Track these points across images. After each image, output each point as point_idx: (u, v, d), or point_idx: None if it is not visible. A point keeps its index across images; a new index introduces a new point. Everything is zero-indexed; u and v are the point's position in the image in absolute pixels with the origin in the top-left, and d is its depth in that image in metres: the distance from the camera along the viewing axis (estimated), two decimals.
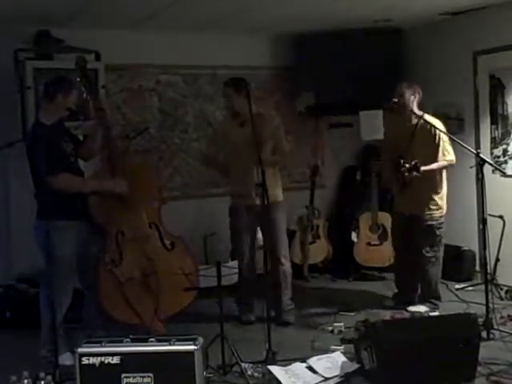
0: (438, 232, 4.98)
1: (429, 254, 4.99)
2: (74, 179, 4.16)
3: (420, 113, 4.94)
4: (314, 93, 4.79)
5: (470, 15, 5.78)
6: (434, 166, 4.83)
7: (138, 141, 5.82)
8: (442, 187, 4.98)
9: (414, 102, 4.92)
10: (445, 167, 4.92)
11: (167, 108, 6.26)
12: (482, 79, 5.81)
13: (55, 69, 5.02)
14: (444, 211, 5.00)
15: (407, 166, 4.72)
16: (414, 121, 4.93)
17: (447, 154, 4.87)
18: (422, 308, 5.00)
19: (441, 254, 5.06)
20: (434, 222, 4.96)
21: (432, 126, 4.82)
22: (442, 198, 4.99)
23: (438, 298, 5.12)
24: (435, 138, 4.85)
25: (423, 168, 4.72)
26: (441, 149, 4.86)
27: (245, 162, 4.71)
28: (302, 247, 6.33)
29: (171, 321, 4.33)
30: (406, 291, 5.19)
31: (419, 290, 5.16)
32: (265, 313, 4.07)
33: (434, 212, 4.95)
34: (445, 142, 4.86)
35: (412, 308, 5.01)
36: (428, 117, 4.93)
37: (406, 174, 4.74)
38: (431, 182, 4.91)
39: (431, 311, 4.93)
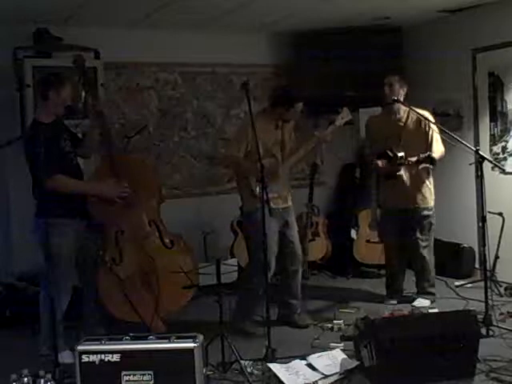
0: (432, 220, 5.06)
1: (425, 243, 5.06)
2: (69, 181, 4.13)
3: (407, 107, 4.93)
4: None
5: (469, 13, 5.78)
6: (437, 155, 4.84)
7: (137, 139, 5.82)
8: (429, 176, 5.03)
9: (402, 94, 4.92)
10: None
11: (166, 106, 6.25)
12: (481, 76, 5.80)
13: (54, 67, 5.01)
14: (433, 198, 5.07)
15: (414, 158, 4.73)
16: (403, 114, 4.95)
17: (440, 143, 4.91)
18: (425, 302, 5.04)
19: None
20: (430, 212, 5.03)
21: (423, 117, 4.84)
22: (431, 186, 5.06)
23: (433, 286, 5.20)
24: (426, 129, 4.89)
25: (436, 156, 4.76)
26: (434, 139, 4.89)
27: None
28: (302, 244, 6.31)
29: (171, 318, 4.34)
30: (397, 286, 5.25)
31: (416, 282, 5.22)
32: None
33: (428, 200, 5.02)
34: (435, 132, 4.90)
35: (416, 303, 5.04)
36: (416, 110, 4.90)
37: (411, 165, 4.77)
38: (425, 172, 4.95)
39: (432, 304, 5.04)
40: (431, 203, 5.04)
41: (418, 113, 4.83)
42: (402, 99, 4.89)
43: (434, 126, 4.88)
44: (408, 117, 4.94)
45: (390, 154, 4.80)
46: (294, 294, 4.80)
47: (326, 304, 5.30)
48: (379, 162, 4.92)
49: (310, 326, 4.72)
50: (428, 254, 5.10)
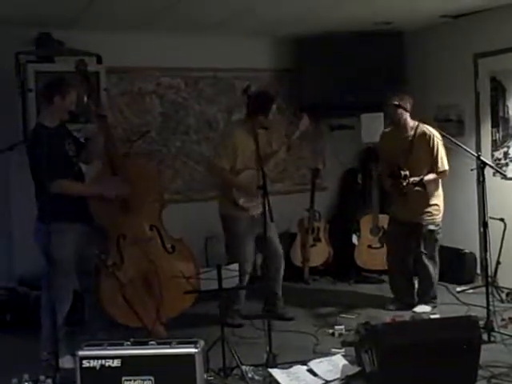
0: (438, 236, 5.06)
1: (429, 257, 5.06)
2: (72, 185, 4.14)
3: (415, 123, 4.95)
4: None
5: (471, 18, 5.79)
6: (431, 176, 4.88)
7: (140, 144, 5.82)
8: (439, 190, 5.05)
9: (406, 113, 4.92)
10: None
11: (168, 111, 6.26)
12: (483, 81, 5.81)
13: (57, 71, 5.02)
14: (442, 213, 5.07)
15: (411, 180, 4.77)
16: (411, 132, 4.95)
17: (445, 163, 4.94)
18: (426, 308, 5.04)
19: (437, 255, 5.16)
20: (435, 228, 5.03)
21: (429, 136, 4.88)
22: (440, 201, 5.06)
23: (435, 298, 5.20)
24: (433, 148, 4.90)
25: (426, 179, 4.80)
26: (439, 159, 4.90)
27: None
28: (303, 250, 6.33)
29: (172, 323, 4.33)
30: (404, 296, 5.24)
31: (418, 293, 5.21)
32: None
33: (435, 217, 5.02)
34: (441, 151, 4.91)
35: (417, 309, 5.04)
36: (423, 126, 4.95)
37: (409, 186, 4.79)
38: (433, 191, 4.96)
39: (433, 309, 5.05)
40: (438, 219, 5.03)
41: (424, 128, 4.92)
42: (408, 118, 4.91)
43: (439, 145, 4.88)
44: (416, 133, 4.94)
45: (397, 172, 4.82)
46: (277, 289, 5.02)
47: (328, 309, 5.30)
48: (388, 182, 5.01)
49: (293, 319, 4.96)
50: (430, 268, 5.08)
